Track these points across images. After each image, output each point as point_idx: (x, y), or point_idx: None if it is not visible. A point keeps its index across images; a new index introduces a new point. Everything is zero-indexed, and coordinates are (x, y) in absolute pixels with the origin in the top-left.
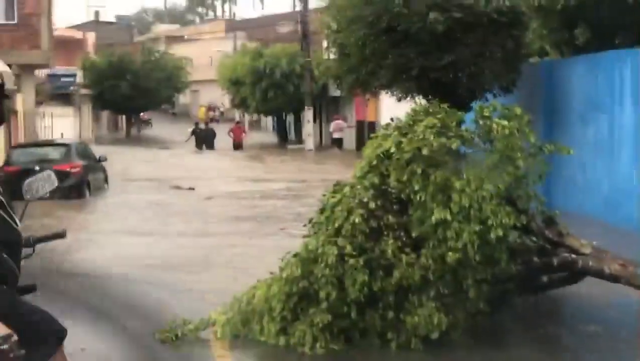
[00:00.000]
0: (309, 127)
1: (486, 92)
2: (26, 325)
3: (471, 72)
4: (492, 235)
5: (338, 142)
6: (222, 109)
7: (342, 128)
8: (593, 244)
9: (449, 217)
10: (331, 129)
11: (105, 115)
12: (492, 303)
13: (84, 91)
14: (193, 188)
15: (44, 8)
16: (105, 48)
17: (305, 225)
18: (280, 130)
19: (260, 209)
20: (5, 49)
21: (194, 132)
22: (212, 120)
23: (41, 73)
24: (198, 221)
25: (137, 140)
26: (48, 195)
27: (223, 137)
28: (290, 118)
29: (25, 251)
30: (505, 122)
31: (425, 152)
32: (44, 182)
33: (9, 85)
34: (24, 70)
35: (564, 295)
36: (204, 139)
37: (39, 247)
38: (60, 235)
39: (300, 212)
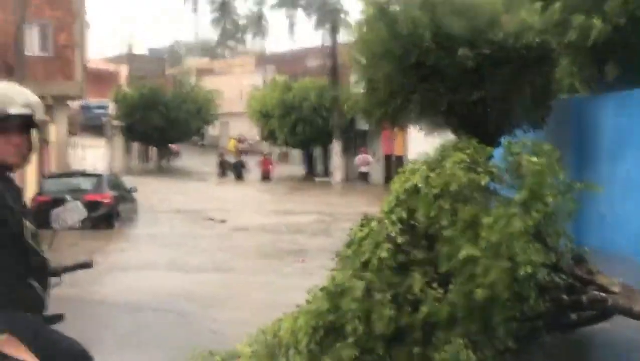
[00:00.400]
0: (336, 160)
1: (515, 128)
2: (53, 353)
3: (500, 108)
4: (521, 272)
5: (364, 176)
6: (250, 141)
7: (368, 162)
8: (622, 282)
9: (477, 253)
10: (356, 162)
11: (136, 146)
12: (521, 341)
13: (115, 122)
14: (225, 221)
15: (78, 41)
16: (138, 80)
17: (332, 259)
18: (308, 162)
19: (286, 243)
20: (39, 80)
21: (220, 163)
22: (240, 152)
23: (74, 104)
24: (224, 254)
25: (167, 171)
26: (78, 225)
27: (252, 169)
28: (317, 151)
29: (53, 280)
30: (534, 159)
31: (453, 187)
32: (72, 212)
33: (40, 115)
34: (58, 101)
35: (593, 333)
36: (236, 170)
37: (66, 276)
38: (87, 265)
39: (327, 245)
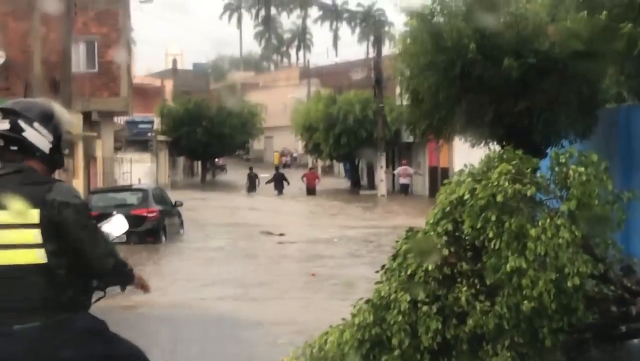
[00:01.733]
0: (381, 173)
1: (562, 138)
2: (124, 353)
3: (546, 118)
4: (569, 284)
5: (404, 188)
6: (295, 155)
7: (409, 173)
8: None
9: (524, 265)
10: (397, 173)
11: (181, 160)
12: (569, 353)
13: (160, 137)
14: (283, 234)
15: (123, 57)
16: (182, 95)
17: (377, 272)
18: (353, 175)
19: (335, 259)
20: (86, 96)
21: (249, 177)
22: (284, 165)
23: (120, 120)
24: (268, 269)
25: (212, 186)
26: (124, 238)
27: (296, 182)
28: (362, 164)
29: (97, 294)
30: (582, 169)
31: (499, 198)
32: (116, 225)
33: (72, 129)
34: (103, 116)
35: None
36: (278, 183)
37: (109, 289)
38: (130, 280)
39: (374, 258)
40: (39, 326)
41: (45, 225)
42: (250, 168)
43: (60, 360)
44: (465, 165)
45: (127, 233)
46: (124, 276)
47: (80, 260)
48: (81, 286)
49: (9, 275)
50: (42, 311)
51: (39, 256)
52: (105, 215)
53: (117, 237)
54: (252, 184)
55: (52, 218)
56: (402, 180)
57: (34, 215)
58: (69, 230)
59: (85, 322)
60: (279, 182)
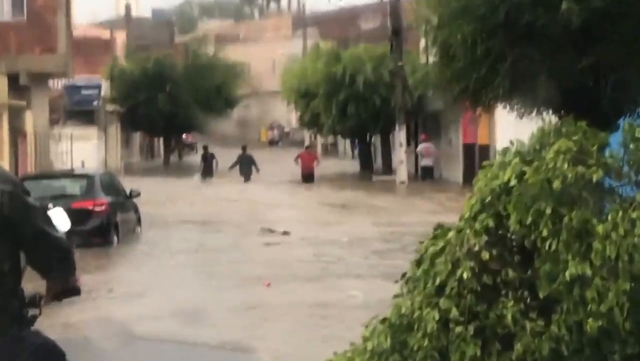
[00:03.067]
0: (401, 153)
1: (638, 106)
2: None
3: (617, 79)
4: None
5: (427, 172)
6: (287, 129)
7: (432, 153)
8: None
9: (588, 272)
10: (419, 152)
11: (137, 137)
12: None
13: (110, 107)
14: (288, 233)
15: (60, 1)
16: (139, 51)
17: (396, 282)
18: (364, 156)
19: (341, 264)
20: (11, 53)
21: (203, 158)
22: (271, 142)
23: (57, 84)
24: (249, 280)
25: (178, 170)
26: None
27: (287, 165)
28: (376, 141)
29: (31, 312)
30: None
31: (556, 185)
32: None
33: None
34: (35, 80)
35: None
36: (244, 168)
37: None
38: (74, 292)
39: (392, 265)
40: None
41: None
42: (205, 148)
43: None
44: (512, 142)
45: (67, 233)
46: (71, 263)
47: (32, 256)
48: (22, 297)
49: None
50: None
51: None
52: None
53: None
54: (207, 167)
55: None
56: (425, 162)
57: None
58: (19, 220)
59: (37, 339)
60: (246, 165)
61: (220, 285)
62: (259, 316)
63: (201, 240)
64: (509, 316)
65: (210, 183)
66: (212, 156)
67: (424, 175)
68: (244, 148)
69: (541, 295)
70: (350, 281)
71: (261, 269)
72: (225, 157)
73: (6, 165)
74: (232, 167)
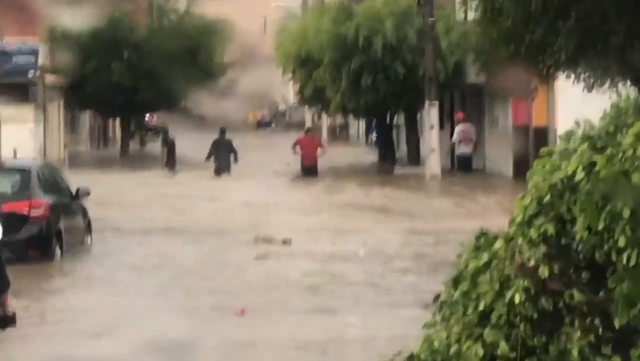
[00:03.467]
0: (432, 138)
1: None
2: None
3: None
4: None
5: (464, 162)
6: (282, 107)
7: (472, 137)
8: None
9: None
10: (454, 139)
11: (86, 118)
12: None
13: (51, 79)
14: (288, 242)
15: None
16: (88, 7)
17: (426, 307)
18: (383, 142)
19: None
20: None
21: (164, 142)
22: (259, 124)
23: None
24: (229, 309)
25: (140, 161)
26: None
27: (283, 154)
28: (399, 122)
29: None
30: None
31: (636, 179)
32: None
33: None
34: None
35: None
36: (222, 158)
37: None
38: (8, 321)
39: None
40: None
41: None
42: (164, 130)
43: None
44: (577, 123)
45: None
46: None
47: None
48: None
49: None
50: None
51: None
52: None
53: None
54: (171, 156)
55: None
56: (462, 148)
57: None
58: None
59: None
60: (224, 154)
61: (194, 313)
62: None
63: (171, 253)
64: (575, 352)
65: (182, 177)
66: (173, 142)
67: (461, 166)
68: (222, 131)
69: (617, 324)
70: (361, 309)
71: (246, 294)
72: (202, 143)
73: None
74: (209, 156)
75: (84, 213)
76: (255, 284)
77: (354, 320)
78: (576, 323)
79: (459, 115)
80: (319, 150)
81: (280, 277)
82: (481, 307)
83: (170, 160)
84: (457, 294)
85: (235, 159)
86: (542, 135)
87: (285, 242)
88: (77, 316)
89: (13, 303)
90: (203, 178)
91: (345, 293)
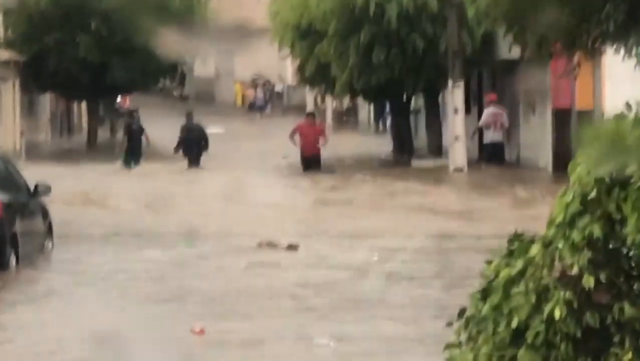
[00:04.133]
0: (456, 124)
1: None
2: None
3: None
4: None
5: (495, 151)
6: (278, 87)
7: (503, 122)
8: None
9: None
10: (482, 123)
11: (47, 102)
12: None
13: (4, 55)
14: (296, 248)
15: None
16: None
17: (449, 324)
18: (398, 129)
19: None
20: None
21: (126, 129)
22: (251, 107)
23: None
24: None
25: (109, 152)
26: None
27: (279, 143)
28: (417, 106)
29: None
30: None
31: None
32: None
33: None
34: None
35: None
36: (190, 146)
37: None
38: None
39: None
40: None
41: None
42: (132, 113)
43: None
44: (629, 105)
45: None
46: None
47: None
48: None
49: None
50: None
51: None
52: None
53: None
54: (133, 146)
55: None
56: (493, 135)
57: None
58: None
59: None
60: (193, 142)
61: (171, 338)
62: None
63: (143, 260)
64: None
65: (155, 171)
66: (141, 129)
67: (491, 156)
68: (188, 115)
69: None
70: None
71: (229, 312)
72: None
73: None
74: (178, 147)
75: (44, 213)
76: (240, 299)
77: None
78: (627, 342)
79: (491, 96)
80: (321, 139)
81: (273, 292)
82: (514, 324)
83: (134, 150)
84: (486, 308)
85: (206, 147)
86: (586, 120)
87: (291, 247)
88: (32, 337)
89: None
90: (179, 173)
91: (358, 315)
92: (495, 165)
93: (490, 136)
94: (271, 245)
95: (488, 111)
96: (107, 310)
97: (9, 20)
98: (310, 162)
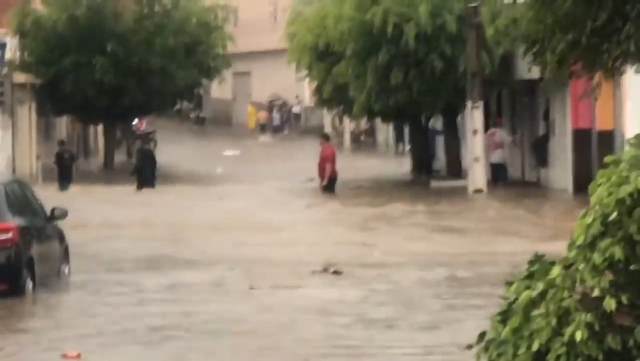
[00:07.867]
0: (476, 145)
1: None
2: None
3: None
4: None
5: (498, 172)
6: (295, 109)
7: (503, 142)
8: None
9: None
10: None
11: (63, 125)
12: None
13: (21, 78)
14: (339, 273)
15: None
16: None
17: (469, 348)
18: (417, 150)
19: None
20: None
21: (57, 157)
22: (262, 128)
23: None
24: None
25: (126, 175)
26: None
27: (294, 164)
28: (436, 126)
29: None
30: None
31: None
32: None
33: None
34: None
35: None
36: (145, 169)
37: None
38: None
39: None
40: None
41: None
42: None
43: None
44: None
45: None
46: None
47: None
48: None
49: None
50: None
51: None
52: None
53: None
54: (65, 172)
55: None
56: (493, 157)
57: None
58: None
59: None
60: (147, 165)
61: None
62: None
63: (145, 287)
64: None
65: (175, 196)
66: (72, 156)
67: (496, 178)
68: (143, 138)
69: None
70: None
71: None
72: (209, 152)
73: None
74: (136, 169)
75: (61, 237)
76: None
77: None
78: None
79: (497, 119)
80: (329, 164)
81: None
82: (535, 347)
83: (64, 177)
84: (506, 331)
85: (153, 172)
86: (607, 141)
87: (336, 272)
88: None
89: None
90: (204, 198)
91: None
92: (498, 184)
93: (491, 157)
94: (325, 270)
95: (492, 132)
96: (125, 336)
97: (26, 43)
98: (327, 185)
